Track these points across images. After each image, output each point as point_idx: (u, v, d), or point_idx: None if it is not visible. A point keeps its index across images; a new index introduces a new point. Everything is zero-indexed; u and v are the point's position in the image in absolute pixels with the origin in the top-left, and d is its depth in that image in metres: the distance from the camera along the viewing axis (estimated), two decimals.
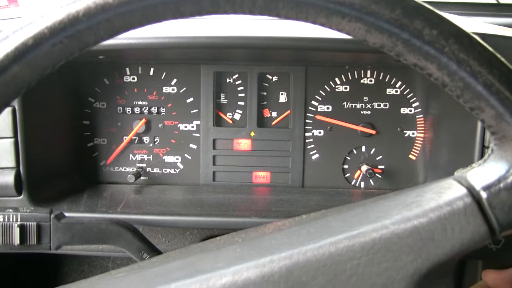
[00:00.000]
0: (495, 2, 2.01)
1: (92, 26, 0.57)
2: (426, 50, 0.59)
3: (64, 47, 0.58)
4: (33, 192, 1.44)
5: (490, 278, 1.31)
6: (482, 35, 1.27)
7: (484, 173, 0.64)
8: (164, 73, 1.72)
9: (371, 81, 1.73)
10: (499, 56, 0.60)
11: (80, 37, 0.58)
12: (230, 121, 1.76)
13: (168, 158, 1.77)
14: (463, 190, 0.63)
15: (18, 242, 1.14)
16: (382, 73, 1.72)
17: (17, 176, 1.41)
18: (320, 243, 0.63)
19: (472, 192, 0.63)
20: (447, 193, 0.64)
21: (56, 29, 0.57)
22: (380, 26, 0.58)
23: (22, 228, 1.14)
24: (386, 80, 1.73)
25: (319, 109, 1.74)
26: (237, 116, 1.76)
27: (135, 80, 1.73)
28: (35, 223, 1.15)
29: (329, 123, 1.74)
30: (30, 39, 0.57)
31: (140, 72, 1.73)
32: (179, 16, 0.59)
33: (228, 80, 1.74)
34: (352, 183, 1.77)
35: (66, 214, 1.22)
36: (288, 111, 1.75)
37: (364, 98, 1.74)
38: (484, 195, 0.62)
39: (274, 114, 1.76)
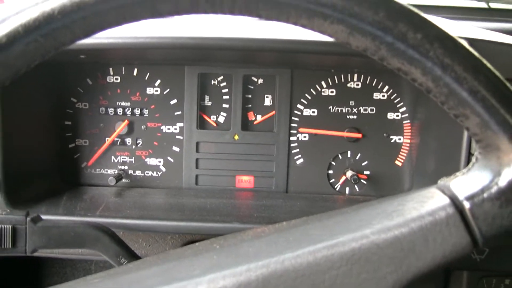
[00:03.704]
0: (486, 6, 2.00)
1: (67, 24, 0.56)
2: (410, 54, 0.57)
3: (39, 46, 0.56)
4: (10, 193, 1.42)
5: None
6: (470, 40, 1.26)
7: (467, 183, 0.63)
8: (148, 74, 1.70)
9: (357, 85, 1.72)
10: (485, 61, 0.59)
11: (55, 35, 0.56)
12: (214, 124, 1.74)
13: (150, 161, 1.74)
14: (446, 200, 0.62)
15: None
16: (369, 77, 1.71)
17: None
18: (298, 251, 0.61)
19: (455, 202, 0.62)
20: (429, 202, 0.63)
21: (30, 27, 0.55)
22: (363, 28, 0.57)
23: None
24: (373, 84, 1.71)
25: (304, 113, 1.72)
26: (221, 119, 1.74)
27: (118, 80, 1.71)
28: (10, 226, 1.13)
29: (313, 134, 1.73)
30: (3, 37, 0.55)
31: (123, 73, 1.70)
32: (157, 15, 0.58)
33: (212, 82, 1.73)
34: (337, 189, 1.76)
35: (44, 217, 1.21)
36: (273, 112, 1.73)
37: (351, 102, 1.72)
38: (467, 205, 0.61)
39: (258, 117, 1.74)
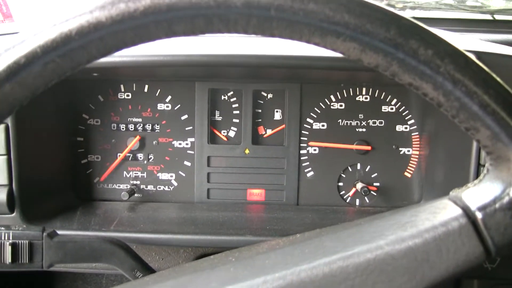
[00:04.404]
0: (491, 18, 2.01)
1: (84, 45, 0.56)
2: (422, 69, 0.58)
3: (56, 66, 0.57)
4: (25, 209, 1.43)
5: None
6: (478, 53, 1.27)
7: (479, 193, 0.64)
8: (159, 90, 1.72)
9: (366, 98, 1.73)
10: (494, 76, 0.60)
11: (72, 56, 0.57)
12: (225, 138, 1.75)
13: (162, 175, 1.76)
14: (458, 211, 0.63)
15: (10, 261, 1.13)
16: (377, 91, 1.72)
17: (10, 194, 1.40)
18: (314, 263, 0.62)
19: (467, 212, 0.62)
20: (442, 213, 0.63)
21: (48, 48, 0.56)
22: (375, 45, 0.58)
23: (14, 246, 1.13)
24: (382, 97, 1.72)
25: (314, 127, 1.73)
26: (231, 134, 1.75)
27: (130, 97, 1.72)
28: (27, 241, 1.14)
29: (323, 147, 1.74)
30: (22, 57, 0.56)
31: (134, 89, 1.72)
32: (172, 35, 0.59)
33: (223, 97, 1.74)
34: (347, 201, 1.76)
35: (59, 232, 1.21)
36: (283, 125, 1.74)
37: (360, 115, 1.73)
38: (479, 215, 0.61)
39: (268, 131, 1.75)
